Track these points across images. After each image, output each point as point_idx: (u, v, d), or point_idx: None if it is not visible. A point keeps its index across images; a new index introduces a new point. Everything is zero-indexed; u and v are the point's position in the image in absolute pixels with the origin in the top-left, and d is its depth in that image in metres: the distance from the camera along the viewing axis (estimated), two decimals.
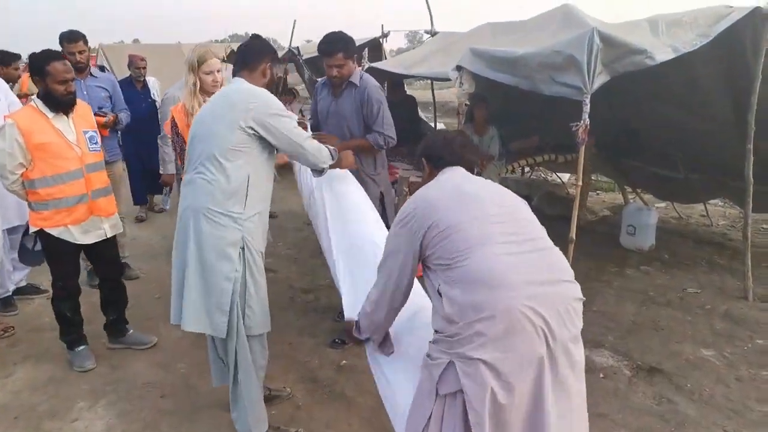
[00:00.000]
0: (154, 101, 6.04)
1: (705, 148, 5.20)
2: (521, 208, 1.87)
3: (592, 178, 7.37)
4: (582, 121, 3.36)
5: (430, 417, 1.65)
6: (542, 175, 7.98)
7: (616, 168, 6.47)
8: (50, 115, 3.03)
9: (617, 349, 3.49)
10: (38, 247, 3.18)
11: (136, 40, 15.28)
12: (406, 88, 7.65)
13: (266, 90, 2.47)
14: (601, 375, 3.21)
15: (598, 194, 7.79)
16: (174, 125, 3.23)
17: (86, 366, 3.23)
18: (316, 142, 2.57)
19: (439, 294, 1.69)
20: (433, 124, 7.58)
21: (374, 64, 5.58)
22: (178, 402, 2.94)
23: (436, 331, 1.72)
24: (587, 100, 3.30)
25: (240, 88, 2.44)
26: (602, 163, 6.37)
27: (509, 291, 1.57)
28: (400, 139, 7.11)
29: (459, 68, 4.03)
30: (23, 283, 4.23)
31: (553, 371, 1.60)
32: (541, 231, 1.82)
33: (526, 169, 6.02)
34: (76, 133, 3.09)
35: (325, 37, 3.32)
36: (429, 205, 1.80)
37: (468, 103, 5.88)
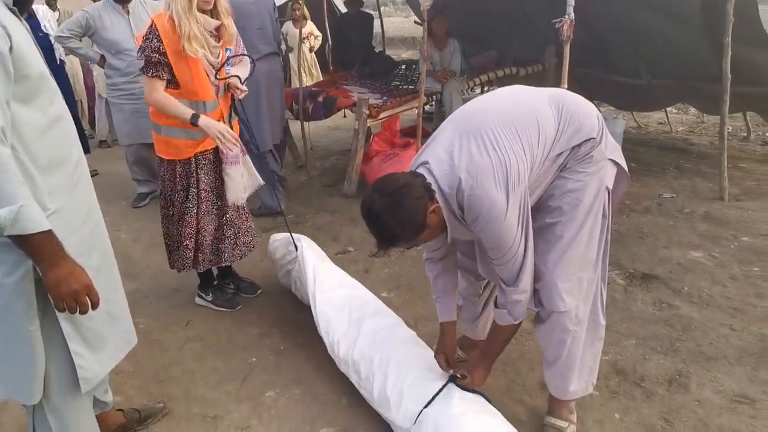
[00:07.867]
0: (47, 35, 5.00)
1: (670, 52, 5.01)
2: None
3: None
4: (566, 16, 3.06)
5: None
6: None
7: (575, 79, 6.24)
8: None
9: None
10: None
11: None
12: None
13: None
14: None
15: None
16: (155, 36, 2.37)
17: None
18: None
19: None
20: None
21: None
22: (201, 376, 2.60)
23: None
24: None
25: None
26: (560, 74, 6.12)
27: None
28: (350, 61, 6.60)
29: None
30: None
31: None
32: None
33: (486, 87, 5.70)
34: None
35: None
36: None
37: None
